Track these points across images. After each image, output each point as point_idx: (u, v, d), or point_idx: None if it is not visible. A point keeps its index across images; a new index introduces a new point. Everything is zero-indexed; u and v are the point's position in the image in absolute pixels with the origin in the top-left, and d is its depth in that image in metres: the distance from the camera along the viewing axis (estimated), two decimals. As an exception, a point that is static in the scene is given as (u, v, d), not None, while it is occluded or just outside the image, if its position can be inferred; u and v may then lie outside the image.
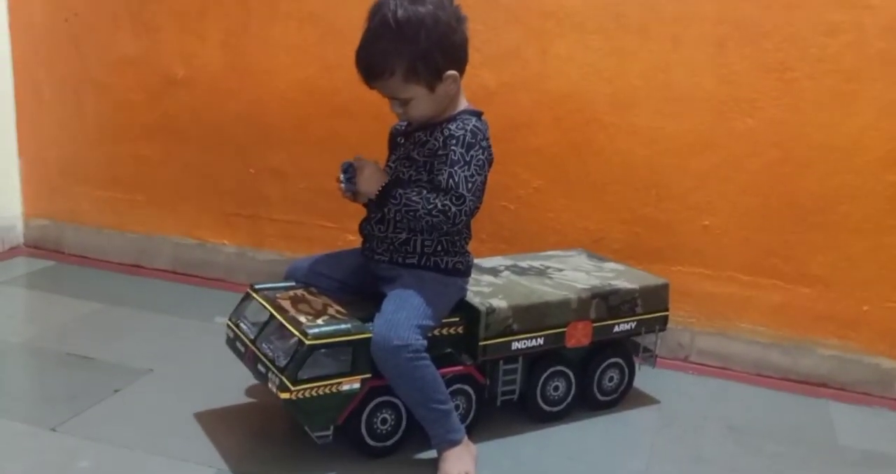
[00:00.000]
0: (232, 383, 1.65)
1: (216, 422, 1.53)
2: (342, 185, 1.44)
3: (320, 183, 2.17)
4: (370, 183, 1.40)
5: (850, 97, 1.68)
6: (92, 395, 1.62)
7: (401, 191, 1.37)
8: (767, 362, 1.86)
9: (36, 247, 2.53)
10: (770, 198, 1.79)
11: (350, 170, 1.43)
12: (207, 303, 2.17)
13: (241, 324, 1.50)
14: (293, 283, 1.56)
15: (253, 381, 1.62)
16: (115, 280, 2.34)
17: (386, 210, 1.40)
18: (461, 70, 1.40)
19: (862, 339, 1.79)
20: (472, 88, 1.47)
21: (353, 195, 1.44)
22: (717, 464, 1.49)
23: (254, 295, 1.52)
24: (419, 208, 1.35)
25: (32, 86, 2.41)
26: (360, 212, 1.51)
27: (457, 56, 1.38)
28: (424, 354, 1.35)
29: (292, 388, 1.30)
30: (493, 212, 1.94)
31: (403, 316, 1.35)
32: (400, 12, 1.31)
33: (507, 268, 1.70)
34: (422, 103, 1.38)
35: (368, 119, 2.01)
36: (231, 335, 1.53)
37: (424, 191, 1.36)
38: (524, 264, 1.73)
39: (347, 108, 2.08)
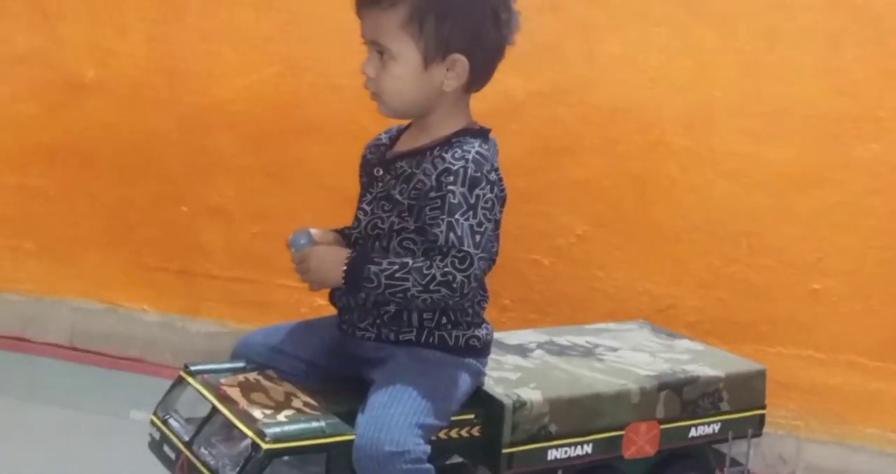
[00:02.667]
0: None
1: None
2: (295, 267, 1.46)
3: (278, 226, 2.18)
4: (328, 273, 1.41)
5: None
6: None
7: (374, 269, 1.37)
8: (901, 481, 1.87)
9: None
10: (905, 254, 1.82)
11: (296, 247, 1.45)
12: (119, 391, 2.19)
13: (171, 421, 1.51)
14: (243, 365, 1.57)
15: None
16: (-8, 360, 2.35)
17: (364, 295, 1.41)
18: (477, 69, 1.43)
19: None
20: (490, 98, 1.50)
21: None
22: None
23: (189, 379, 1.53)
24: (409, 286, 1.35)
25: None
26: None
27: (480, 42, 1.41)
28: (427, 465, 1.35)
29: (243, 512, 1.31)
30: (520, 268, 1.96)
31: (398, 412, 1.35)
32: None
33: (539, 345, 1.72)
34: (405, 74, 1.40)
35: (345, 140, 2.03)
36: (156, 436, 1.53)
37: (411, 261, 1.37)
38: (563, 341, 1.75)
39: (316, 123, 2.14)
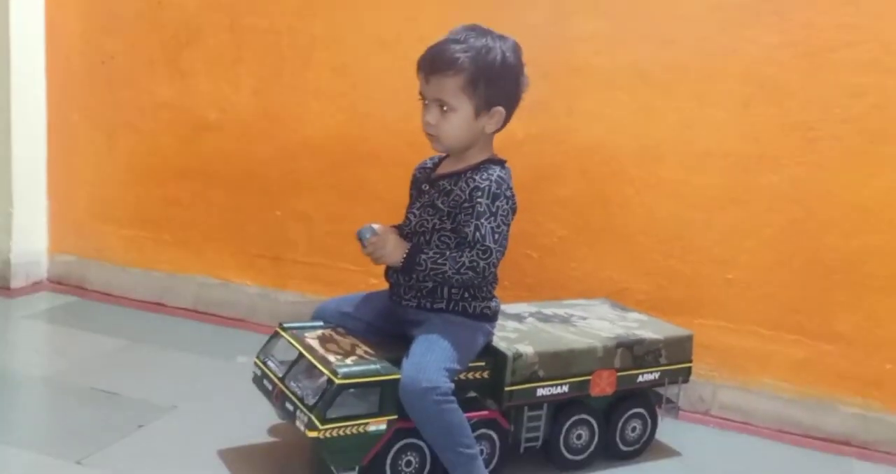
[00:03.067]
0: (256, 422, 1.68)
1: (241, 461, 1.55)
2: (364, 250, 1.47)
3: (345, 227, 2.19)
4: (393, 255, 1.43)
5: (874, 157, 1.73)
6: (116, 430, 1.64)
7: (424, 256, 1.40)
8: (790, 418, 1.86)
9: (59, 282, 2.57)
10: (794, 255, 1.82)
11: (363, 239, 1.46)
12: (230, 342, 2.20)
13: (269, 363, 1.53)
14: (321, 323, 1.59)
15: (277, 420, 1.65)
16: (137, 317, 2.37)
17: (414, 276, 1.43)
18: (508, 117, 1.45)
19: (885, 398, 1.80)
20: (500, 138, 1.52)
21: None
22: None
23: (282, 333, 1.56)
24: (447, 270, 1.39)
25: (65, 127, 2.49)
26: None
27: (512, 99, 1.46)
28: (452, 397, 1.37)
29: (320, 427, 1.33)
30: (517, 260, 1.97)
31: (432, 359, 1.38)
32: (489, 37, 1.41)
33: (531, 315, 1.73)
34: (461, 123, 1.42)
35: (394, 166, 2.06)
36: (258, 373, 1.55)
37: (448, 252, 1.40)
38: (548, 312, 1.76)
39: (374, 155, 2.14)
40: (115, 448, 1.58)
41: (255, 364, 1.57)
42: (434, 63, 1.40)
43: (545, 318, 1.71)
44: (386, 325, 1.56)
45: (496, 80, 1.42)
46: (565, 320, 1.71)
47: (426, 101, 1.45)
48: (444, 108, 1.42)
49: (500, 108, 1.44)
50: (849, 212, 1.77)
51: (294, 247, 2.29)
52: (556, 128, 1.95)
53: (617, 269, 1.97)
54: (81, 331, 2.21)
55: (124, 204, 2.47)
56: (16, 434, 1.64)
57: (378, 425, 1.38)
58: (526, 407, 1.54)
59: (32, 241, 2.55)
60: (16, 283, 2.49)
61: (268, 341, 1.58)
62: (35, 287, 2.54)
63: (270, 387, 1.50)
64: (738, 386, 1.90)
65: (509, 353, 1.49)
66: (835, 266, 1.79)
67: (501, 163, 1.49)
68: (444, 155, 1.55)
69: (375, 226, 1.46)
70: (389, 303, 1.57)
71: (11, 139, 2.41)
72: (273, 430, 1.68)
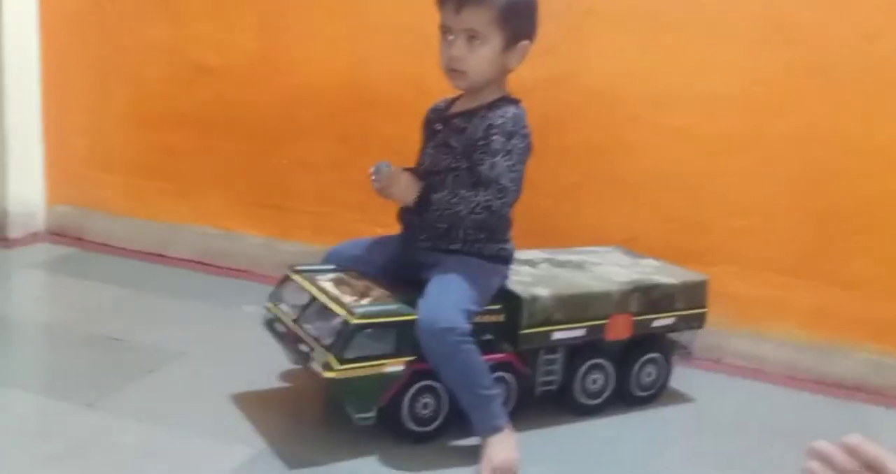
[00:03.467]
0: (267, 367, 1.66)
1: (254, 404, 1.54)
2: (376, 185, 1.44)
3: (351, 175, 2.17)
4: (406, 194, 1.40)
5: (890, 101, 1.70)
6: (126, 375, 1.63)
7: (437, 196, 1.37)
8: (802, 365, 1.86)
9: (57, 233, 2.54)
10: (807, 200, 1.80)
11: (379, 173, 1.43)
12: (234, 291, 2.18)
13: (281, 306, 1.51)
14: (333, 267, 1.57)
15: (288, 366, 1.64)
16: (138, 267, 2.35)
17: (427, 215, 1.40)
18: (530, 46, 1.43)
19: (899, 343, 1.80)
20: (508, 83, 1.49)
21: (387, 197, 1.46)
22: (754, 462, 1.50)
23: (294, 276, 1.54)
24: (461, 209, 1.36)
25: (60, 73, 2.43)
26: (386, 206, 1.50)
27: (533, 35, 1.43)
28: (470, 338, 1.35)
29: (338, 368, 1.31)
30: (528, 207, 1.90)
31: (449, 299, 1.36)
32: None
33: (544, 260, 1.71)
34: (488, 55, 1.39)
35: (402, 113, 2.01)
36: (270, 316, 1.54)
37: (461, 191, 1.37)
38: (561, 258, 1.75)
39: (381, 102, 2.10)
40: (125, 391, 1.57)
41: (266, 307, 1.55)
42: None
43: (559, 264, 1.70)
44: (399, 269, 1.54)
45: (524, 14, 1.41)
46: (579, 266, 1.69)
47: (450, 35, 1.40)
48: (475, 40, 1.38)
49: (526, 42, 1.42)
50: (864, 156, 1.74)
51: (298, 195, 2.26)
52: (565, 72, 1.91)
53: (628, 217, 1.95)
54: (82, 280, 2.19)
55: (122, 152, 2.44)
56: (22, 378, 1.63)
57: (395, 366, 1.37)
58: (542, 351, 1.53)
59: (29, 192, 2.51)
60: (13, 234, 2.47)
61: (279, 284, 1.56)
62: (33, 238, 2.51)
63: (283, 330, 1.48)
64: (751, 333, 1.89)
65: (525, 296, 1.48)
66: (849, 211, 1.78)
67: (516, 102, 1.46)
68: (456, 96, 1.52)
69: (388, 164, 1.43)
70: (402, 247, 1.55)
71: (4, 86, 2.36)
72: (285, 375, 1.67)
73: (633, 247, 1.90)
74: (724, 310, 1.88)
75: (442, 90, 1.55)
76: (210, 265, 2.36)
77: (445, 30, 1.41)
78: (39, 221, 2.56)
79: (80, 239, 2.51)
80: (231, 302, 2.08)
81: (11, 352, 1.75)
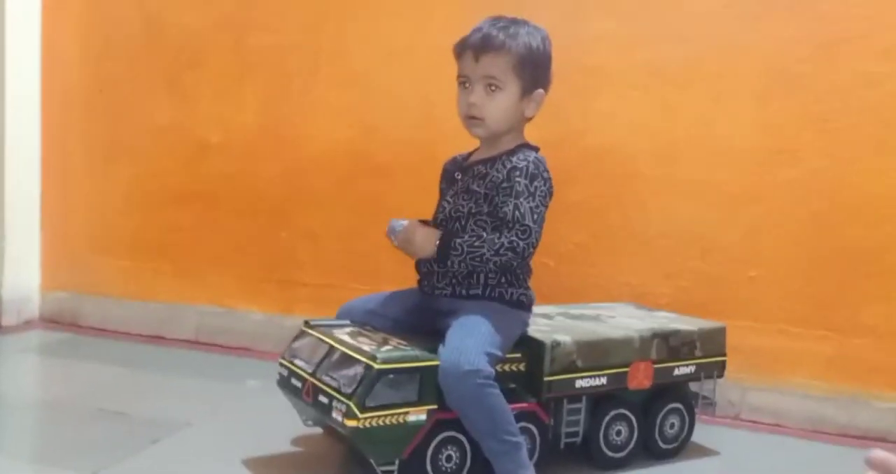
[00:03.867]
0: (277, 434, 1.62)
1: (266, 469, 1.48)
2: (395, 243, 1.45)
3: (354, 244, 2.18)
4: (424, 245, 1.41)
5: (893, 146, 1.74)
6: (130, 445, 1.57)
7: (459, 241, 1.38)
8: (822, 417, 1.83)
9: (52, 320, 2.49)
10: (818, 249, 1.81)
11: (394, 232, 1.45)
12: (236, 368, 2.14)
13: (296, 361, 1.48)
14: (348, 322, 1.54)
15: (299, 432, 1.59)
16: (135, 349, 2.30)
17: (449, 263, 1.40)
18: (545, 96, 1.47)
19: (919, 390, 1.77)
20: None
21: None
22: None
23: (309, 331, 1.51)
24: (485, 252, 1.36)
25: (61, 156, 2.45)
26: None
27: (548, 86, 1.47)
28: (494, 382, 1.32)
29: (360, 415, 1.27)
30: (534, 267, 1.94)
31: (472, 342, 1.33)
32: (532, 23, 1.45)
33: (558, 314, 1.70)
34: (506, 102, 1.42)
35: (406, 179, 2.06)
36: (285, 373, 1.50)
37: (485, 234, 1.38)
38: (575, 312, 1.73)
39: (385, 168, 2.13)
40: (130, 461, 1.50)
41: (281, 364, 1.51)
42: (487, 41, 1.41)
43: (574, 317, 1.68)
44: (415, 321, 1.52)
45: (540, 64, 1.45)
46: (594, 318, 1.68)
47: (468, 83, 1.44)
48: (493, 88, 1.42)
49: (542, 91, 1.46)
50: (871, 202, 1.77)
51: (301, 268, 2.25)
52: (571, 130, 1.95)
53: (637, 273, 1.95)
54: (79, 362, 2.15)
55: (122, 233, 2.43)
56: (25, 450, 1.57)
57: (418, 415, 1.33)
58: (565, 400, 1.49)
59: (25, 278, 2.48)
60: (7, 321, 2.42)
61: (294, 339, 1.53)
62: (27, 326, 2.46)
63: (300, 385, 1.44)
64: (768, 386, 1.87)
65: (547, 342, 1.45)
66: (860, 257, 1.79)
67: (536, 148, 1.48)
68: (473, 149, 1.54)
69: (403, 221, 1.44)
70: (418, 298, 1.53)
71: (5, 169, 2.37)
72: (297, 440, 1.62)
73: (645, 302, 1.90)
74: (739, 364, 1.85)
75: (447, 155, 1.59)
76: (210, 344, 2.32)
77: (463, 79, 1.45)
78: (35, 307, 2.51)
79: (75, 324, 2.46)
80: (233, 377, 2.04)
81: (12, 426, 1.69)
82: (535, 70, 1.43)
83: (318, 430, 1.62)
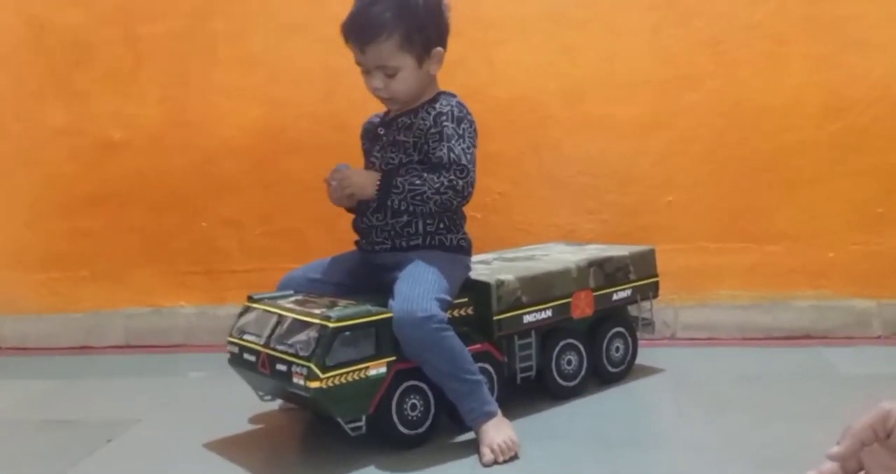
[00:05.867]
0: (233, 415, 1.60)
1: (231, 449, 1.46)
2: (334, 184, 1.44)
3: (278, 224, 2.16)
4: (366, 185, 1.41)
5: (782, 58, 1.84)
6: (85, 447, 1.51)
7: (400, 180, 1.39)
8: (751, 324, 1.93)
9: (-34, 348, 2.37)
10: (725, 166, 1.91)
11: (337, 172, 1.44)
12: (175, 364, 2.09)
13: (245, 336, 1.46)
14: (291, 292, 1.53)
15: (257, 410, 1.58)
16: (63, 362, 2.20)
17: (390, 202, 1.40)
18: (445, 50, 1.46)
19: (834, 285, 1.89)
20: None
21: (343, 201, 1.46)
22: (742, 402, 1.53)
23: (254, 305, 1.49)
24: (426, 190, 1.37)
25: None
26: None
27: (445, 34, 1.45)
28: (449, 326, 1.34)
29: (322, 375, 1.27)
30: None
31: (421, 290, 1.34)
32: None
33: (495, 259, 1.72)
34: (408, 77, 1.41)
35: (320, 153, 2.04)
36: (235, 351, 1.47)
37: (425, 174, 1.39)
38: (510, 255, 1.76)
39: (297, 144, 2.11)
40: (88, 462, 1.45)
41: (230, 342, 1.48)
42: (365, 33, 1.37)
43: (510, 259, 1.71)
44: (359, 282, 1.52)
45: (426, 25, 1.41)
46: (530, 258, 1.71)
47: (365, 70, 1.43)
48: (389, 72, 1.40)
49: (440, 49, 1.45)
50: (767, 114, 1.87)
51: (227, 256, 2.20)
52: (479, 84, 1.97)
53: (561, 214, 2.00)
54: (6, 381, 2.04)
55: (32, 246, 2.32)
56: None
57: (378, 368, 1.33)
58: (516, 337, 1.52)
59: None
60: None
61: (239, 316, 1.50)
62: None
63: (253, 358, 1.42)
64: (698, 303, 1.96)
65: (492, 282, 1.48)
66: (764, 168, 1.89)
67: (454, 94, 1.49)
68: (387, 109, 1.54)
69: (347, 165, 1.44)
70: (359, 258, 1.53)
71: None
72: (254, 419, 1.60)
73: (573, 239, 1.95)
74: (669, 286, 1.92)
75: (359, 124, 1.59)
76: (142, 346, 2.25)
77: (359, 65, 1.43)
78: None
79: (-7, 348, 2.34)
80: (175, 372, 2.00)
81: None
82: (423, 36, 1.39)
83: (275, 406, 1.61)
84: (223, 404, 1.64)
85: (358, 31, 1.38)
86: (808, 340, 1.90)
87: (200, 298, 2.25)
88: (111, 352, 2.26)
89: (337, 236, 1.93)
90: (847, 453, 0.65)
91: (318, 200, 1.56)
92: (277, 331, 1.39)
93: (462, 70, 1.94)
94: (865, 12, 1.81)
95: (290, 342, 1.35)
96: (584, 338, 1.62)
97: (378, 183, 1.39)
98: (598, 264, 1.62)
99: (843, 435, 0.66)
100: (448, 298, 1.39)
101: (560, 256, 1.70)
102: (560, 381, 1.59)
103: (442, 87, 1.50)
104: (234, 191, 2.17)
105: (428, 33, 1.41)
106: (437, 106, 1.42)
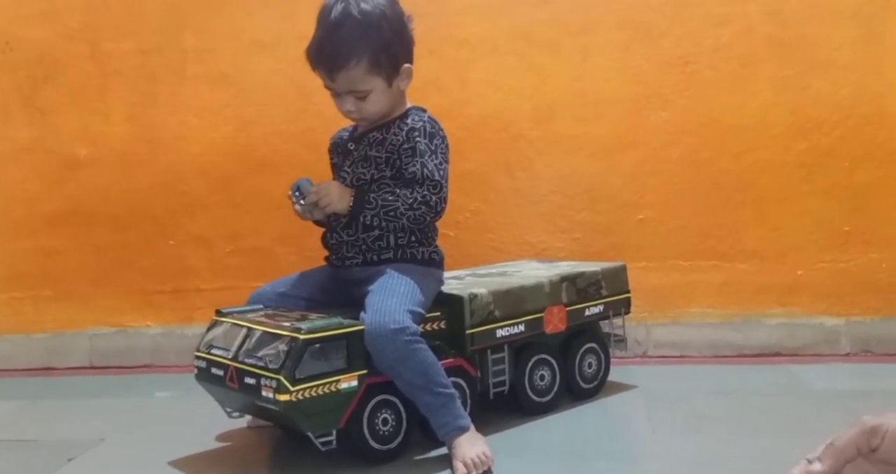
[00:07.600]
0: (199, 433, 1.56)
1: (197, 468, 1.42)
2: (298, 208, 1.43)
3: (247, 243, 2.13)
4: (341, 199, 1.39)
5: (748, 79, 1.87)
6: (46, 467, 1.46)
7: (373, 195, 1.38)
8: (722, 341, 1.94)
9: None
10: (695, 185, 1.92)
11: (300, 191, 1.42)
12: (141, 384, 2.05)
13: (213, 350, 1.43)
14: (261, 306, 1.51)
15: (223, 428, 1.55)
16: (25, 383, 2.15)
17: (362, 217, 1.39)
18: (412, 65, 1.46)
19: (803, 303, 1.91)
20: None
21: (311, 214, 1.44)
22: (716, 417, 1.52)
23: (222, 319, 1.46)
24: (399, 206, 1.36)
25: None
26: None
27: (411, 49, 1.45)
28: (421, 338, 1.33)
29: (292, 388, 1.24)
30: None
31: (394, 302, 1.33)
32: (362, 4, 1.36)
33: (467, 275, 1.72)
34: (380, 97, 1.41)
35: (291, 170, 2.00)
36: (203, 365, 1.44)
37: (397, 189, 1.38)
38: (482, 271, 1.76)
39: (267, 162, 2.09)
40: (50, 482, 1.41)
41: (197, 357, 1.45)
42: (333, 60, 1.36)
43: (482, 275, 1.70)
44: (329, 297, 1.51)
45: (392, 43, 1.40)
46: (502, 273, 1.71)
47: (335, 94, 1.42)
48: (360, 95, 1.40)
49: (408, 66, 1.45)
50: (735, 134, 1.89)
51: (195, 274, 2.17)
52: (451, 102, 1.97)
53: (533, 232, 2.00)
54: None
55: (-7, 266, 2.27)
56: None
57: (349, 381, 1.31)
58: (489, 352, 1.51)
59: None
60: None
61: (207, 330, 1.48)
62: None
63: (222, 373, 1.39)
64: (669, 321, 1.96)
65: (465, 295, 1.47)
66: (733, 187, 1.91)
67: (424, 109, 1.49)
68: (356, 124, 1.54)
69: (309, 179, 1.42)
70: (329, 273, 1.52)
71: None
72: (221, 437, 1.56)
73: (545, 257, 1.95)
74: (641, 304, 1.93)
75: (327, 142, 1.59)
76: (107, 367, 2.20)
77: (329, 89, 1.43)
78: None
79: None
80: (140, 393, 1.95)
81: None
82: (388, 57, 1.39)
83: (244, 423, 1.58)
84: (190, 423, 1.61)
85: (325, 59, 1.38)
86: (779, 358, 1.90)
87: (168, 318, 2.21)
88: (75, 372, 2.20)
89: (306, 254, 1.93)
90: (830, 473, 0.65)
91: (288, 218, 1.54)
92: (246, 345, 1.37)
93: (434, 88, 1.96)
94: (830, 34, 1.85)
95: (259, 355, 1.33)
96: (557, 354, 1.61)
97: (351, 196, 1.37)
98: (571, 279, 1.62)
99: (825, 451, 0.65)
100: (421, 311, 1.38)
101: (532, 272, 1.69)
102: (533, 397, 1.57)
103: (415, 104, 1.50)
104: (202, 209, 2.14)
105: (395, 51, 1.40)
106: (409, 121, 1.42)
